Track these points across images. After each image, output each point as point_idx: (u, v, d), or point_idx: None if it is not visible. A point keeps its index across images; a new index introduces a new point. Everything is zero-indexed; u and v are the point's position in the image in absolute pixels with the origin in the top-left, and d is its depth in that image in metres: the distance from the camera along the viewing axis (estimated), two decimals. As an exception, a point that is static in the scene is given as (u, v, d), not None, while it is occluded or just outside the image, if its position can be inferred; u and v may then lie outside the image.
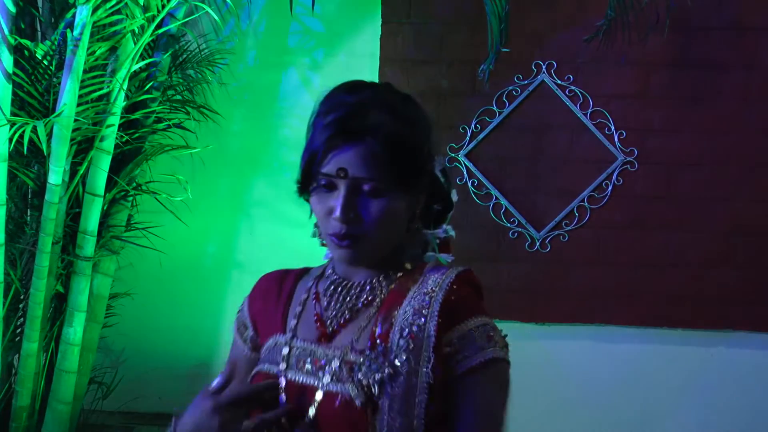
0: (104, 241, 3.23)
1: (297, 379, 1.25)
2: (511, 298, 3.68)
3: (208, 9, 3.16)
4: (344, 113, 1.22)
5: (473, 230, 3.68)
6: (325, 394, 1.21)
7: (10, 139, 2.74)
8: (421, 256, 1.33)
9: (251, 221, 3.91)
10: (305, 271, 1.40)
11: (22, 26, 3.18)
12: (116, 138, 3.09)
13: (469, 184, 3.67)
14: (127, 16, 2.98)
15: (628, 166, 3.65)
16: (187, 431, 1.19)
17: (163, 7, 3.05)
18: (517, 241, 3.71)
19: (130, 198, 3.33)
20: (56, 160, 2.89)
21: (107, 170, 3.09)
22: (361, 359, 1.20)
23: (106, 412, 3.69)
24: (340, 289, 1.30)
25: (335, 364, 1.22)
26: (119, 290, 3.56)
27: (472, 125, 3.67)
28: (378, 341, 1.21)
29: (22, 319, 3.16)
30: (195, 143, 3.50)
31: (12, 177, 3.03)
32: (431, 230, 1.33)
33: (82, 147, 3.08)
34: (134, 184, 3.31)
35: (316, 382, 1.23)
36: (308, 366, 1.25)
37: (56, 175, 2.91)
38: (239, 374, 1.31)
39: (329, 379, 1.22)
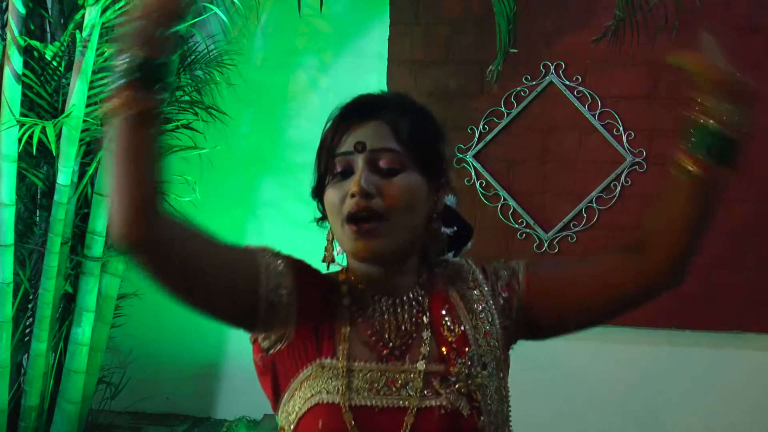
0: (113, 242, 3.23)
1: (370, 403, 1.15)
2: (519, 300, 3.65)
3: (216, 10, 3.16)
4: (358, 101, 1.20)
5: (481, 231, 3.66)
6: (419, 411, 1.14)
7: (20, 140, 2.76)
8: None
9: (259, 222, 3.92)
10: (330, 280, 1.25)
11: (32, 27, 3.20)
12: (125, 139, 3.09)
13: (477, 185, 3.66)
14: (136, 17, 2.98)
15: (637, 167, 3.64)
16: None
17: (172, 8, 3.05)
18: (525, 243, 3.70)
19: (139, 198, 3.33)
20: (65, 161, 2.90)
21: (116, 171, 3.09)
22: (454, 369, 1.16)
23: (114, 412, 3.70)
24: (391, 309, 1.20)
25: (418, 379, 1.15)
26: (127, 290, 3.56)
27: (480, 126, 3.66)
28: (456, 348, 1.18)
29: (31, 319, 3.17)
30: (203, 144, 3.50)
31: (21, 177, 3.03)
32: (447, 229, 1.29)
33: (91, 147, 3.09)
34: (143, 185, 3.32)
35: (401, 402, 1.15)
36: (383, 387, 1.16)
37: (65, 175, 2.92)
38: None
39: (420, 396, 1.15)
